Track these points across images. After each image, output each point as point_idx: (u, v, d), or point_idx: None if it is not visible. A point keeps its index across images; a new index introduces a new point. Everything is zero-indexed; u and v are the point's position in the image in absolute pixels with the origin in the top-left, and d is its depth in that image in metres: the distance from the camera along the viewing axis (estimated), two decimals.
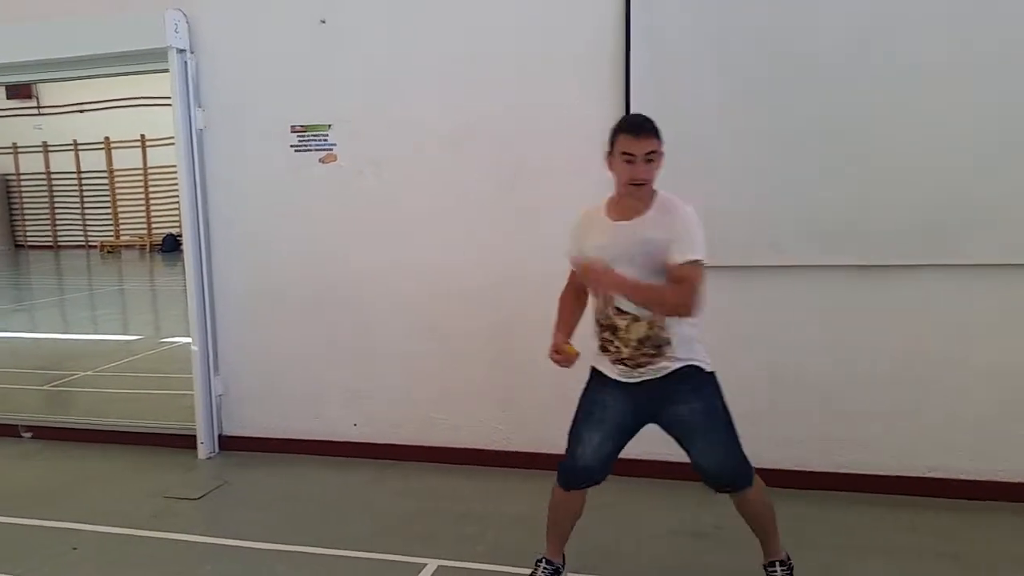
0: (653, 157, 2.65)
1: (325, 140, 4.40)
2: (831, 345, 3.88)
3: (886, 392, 3.84)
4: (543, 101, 4.09)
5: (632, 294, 2.64)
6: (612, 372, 2.79)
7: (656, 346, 2.70)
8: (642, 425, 2.84)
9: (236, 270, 4.67)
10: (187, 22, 4.47)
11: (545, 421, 4.24)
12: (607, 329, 2.75)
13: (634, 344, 2.70)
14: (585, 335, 2.91)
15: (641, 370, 2.73)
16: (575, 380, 4.11)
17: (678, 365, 2.72)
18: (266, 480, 4.34)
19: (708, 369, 2.78)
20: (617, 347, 2.73)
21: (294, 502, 4.02)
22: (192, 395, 4.73)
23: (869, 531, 3.50)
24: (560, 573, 3.06)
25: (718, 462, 2.78)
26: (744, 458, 2.81)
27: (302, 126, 4.43)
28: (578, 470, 2.86)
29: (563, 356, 2.78)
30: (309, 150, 4.44)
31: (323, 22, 4.33)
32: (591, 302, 2.87)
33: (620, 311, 2.70)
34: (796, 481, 3.87)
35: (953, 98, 3.61)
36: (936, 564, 3.21)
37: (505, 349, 4.29)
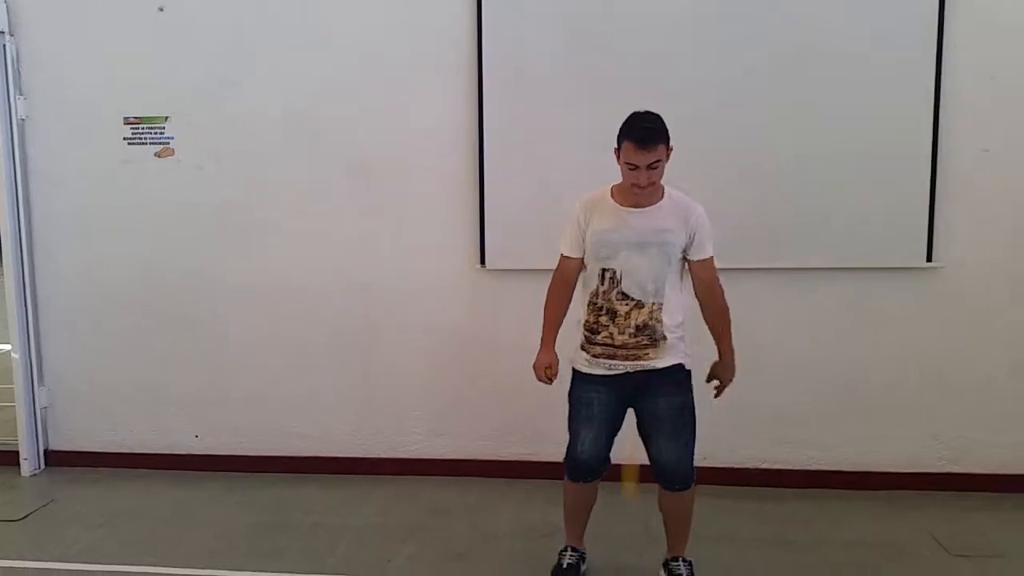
0: (657, 165, 2.67)
1: (162, 133, 4.15)
2: None
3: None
4: (392, 99, 4.02)
5: (729, 343, 2.91)
6: (595, 369, 2.84)
7: (652, 336, 2.75)
8: (627, 409, 2.90)
9: (63, 271, 4.32)
10: (4, 1, 4.10)
11: (399, 427, 4.20)
12: (606, 313, 2.78)
13: (632, 331, 2.75)
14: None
15: (625, 363, 2.78)
16: (426, 384, 4.13)
17: (664, 363, 2.78)
18: (98, 497, 4.03)
19: (688, 367, 2.86)
20: (611, 333, 2.77)
21: (129, 520, 3.76)
22: (13, 407, 4.35)
23: (718, 521, 3.61)
24: (584, 560, 3.12)
25: (677, 459, 2.83)
26: (693, 459, 2.89)
27: (136, 117, 4.15)
28: (581, 464, 2.92)
29: (552, 375, 2.93)
30: (144, 143, 4.16)
31: (161, 9, 4.08)
32: (582, 286, 2.92)
33: (624, 296, 2.75)
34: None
35: (774, 113, 3.79)
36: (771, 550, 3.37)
37: (355, 353, 4.19)
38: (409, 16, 3.97)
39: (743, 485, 3.95)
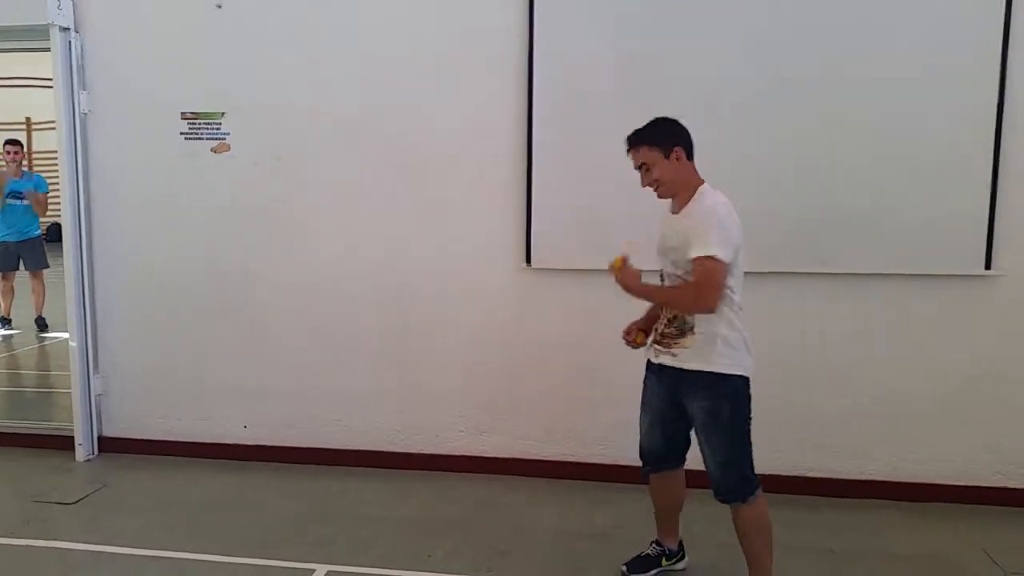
0: (645, 167, 2.77)
1: (218, 128, 4.23)
2: None
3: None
4: (442, 98, 4.05)
5: (653, 297, 2.88)
6: (649, 353, 2.95)
7: (680, 328, 2.78)
8: (680, 408, 2.85)
9: (120, 263, 4.43)
10: (71, 0, 4.23)
11: (443, 423, 4.22)
12: (661, 307, 2.91)
13: (667, 319, 2.84)
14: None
15: (661, 349, 2.85)
16: (470, 382, 4.14)
17: (692, 367, 2.75)
18: (148, 484, 4.13)
19: (728, 372, 2.71)
20: (661, 322, 2.88)
21: (178, 506, 3.84)
22: (70, 394, 4.47)
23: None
24: (672, 557, 3.15)
25: (715, 467, 2.77)
26: (745, 474, 2.75)
27: (193, 113, 4.24)
28: (643, 453, 3.03)
29: (630, 336, 2.97)
30: (200, 138, 4.25)
31: (219, 6, 4.16)
32: None
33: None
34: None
35: (826, 114, 3.73)
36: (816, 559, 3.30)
37: (401, 349, 4.22)
38: (461, 15, 4.00)
39: (786, 492, 3.87)
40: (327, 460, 4.30)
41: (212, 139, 4.24)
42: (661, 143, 2.75)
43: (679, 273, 2.75)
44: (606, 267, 2.84)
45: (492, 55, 3.99)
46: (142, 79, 4.29)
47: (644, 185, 2.81)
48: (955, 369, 3.81)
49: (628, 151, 2.80)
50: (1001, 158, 3.64)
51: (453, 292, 4.14)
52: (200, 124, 4.24)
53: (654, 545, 3.15)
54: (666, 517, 3.12)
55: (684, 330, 2.76)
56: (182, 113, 4.24)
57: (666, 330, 2.83)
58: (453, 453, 4.22)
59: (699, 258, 2.62)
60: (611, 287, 3.98)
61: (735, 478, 2.75)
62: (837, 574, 3.20)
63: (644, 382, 2.99)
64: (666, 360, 2.82)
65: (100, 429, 4.54)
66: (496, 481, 4.09)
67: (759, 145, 3.79)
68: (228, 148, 4.23)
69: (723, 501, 2.79)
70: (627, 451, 3.98)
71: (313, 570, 3.20)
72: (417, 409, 4.25)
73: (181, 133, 4.26)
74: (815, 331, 3.85)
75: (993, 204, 3.66)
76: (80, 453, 4.44)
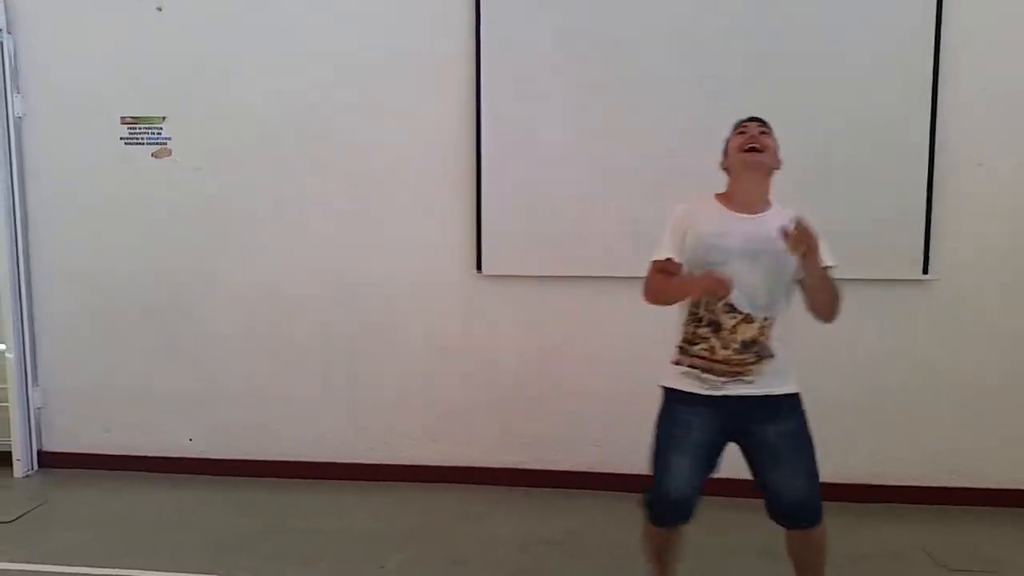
0: (765, 133, 2.56)
1: (159, 133, 4.13)
2: None
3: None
4: (388, 100, 4.01)
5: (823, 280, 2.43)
6: (694, 386, 2.48)
7: (758, 354, 2.43)
8: (727, 443, 2.52)
9: (58, 272, 4.30)
10: None
11: (394, 432, 4.18)
12: (708, 325, 2.44)
13: (736, 346, 2.42)
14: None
15: (728, 380, 2.44)
16: (422, 389, 4.11)
17: (770, 392, 2.45)
18: (91, 499, 4.01)
19: (797, 390, 2.52)
20: (711, 347, 2.44)
21: (122, 523, 3.73)
22: (7, 407, 4.32)
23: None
24: None
25: (801, 491, 2.45)
26: (819, 491, 2.50)
27: (133, 117, 4.13)
28: (671, 503, 2.50)
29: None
30: (141, 143, 4.14)
31: (160, 9, 4.06)
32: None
33: (731, 308, 2.41)
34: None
35: (787, 117, 3.75)
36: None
37: (350, 357, 4.18)
38: (408, 16, 3.96)
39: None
40: (276, 472, 4.23)
41: (153, 144, 4.13)
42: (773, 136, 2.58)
43: (773, 282, 2.44)
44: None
45: (439, 54, 3.95)
46: (79, 82, 4.17)
47: (748, 140, 2.50)
48: (896, 371, 3.89)
49: (750, 121, 2.57)
50: (936, 162, 3.71)
51: (403, 299, 4.11)
52: (140, 128, 4.13)
53: None
54: (673, 565, 2.74)
55: (763, 356, 2.43)
56: (122, 118, 4.13)
57: (733, 357, 2.42)
58: (405, 462, 4.19)
59: (831, 267, 2.47)
60: (563, 293, 4.03)
61: (819, 497, 2.50)
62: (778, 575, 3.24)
63: (677, 420, 2.51)
64: (738, 390, 2.44)
65: (40, 443, 4.40)
66: (450, 490, 4.06)
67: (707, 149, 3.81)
68: (169, 153, 4.14)
69: (808, 526, 2.50)
70: (580, 456, 4.04)
71: None
72: (367, 418, 4.20)
73: (121, 138, 4.15)
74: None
75: (929, 210, 3.74)
76: (19, 469, 4.30)
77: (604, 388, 3.98)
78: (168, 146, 4.13)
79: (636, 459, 3.91)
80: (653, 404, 4.02)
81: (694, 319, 2.47)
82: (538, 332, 4.01)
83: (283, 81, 4.05)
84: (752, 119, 2.59)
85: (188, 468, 4.27)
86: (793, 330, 2.52)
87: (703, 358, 2.45)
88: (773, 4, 3.77)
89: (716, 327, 2.43)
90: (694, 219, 2.52)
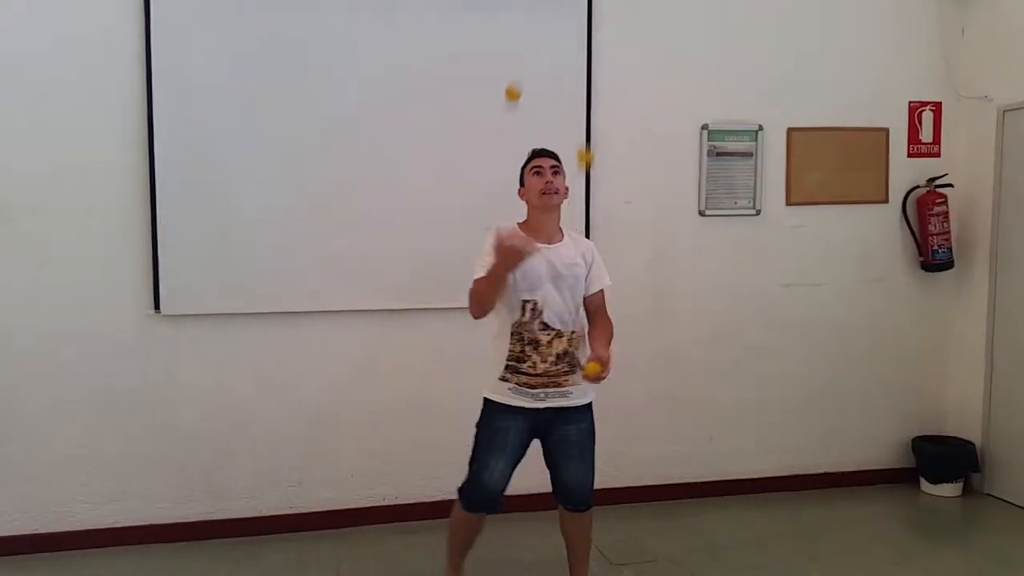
0: (556, 173, 2.93)
1: None
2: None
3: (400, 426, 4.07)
4: (40, 122, 3.61)
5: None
6: (515, 400, 2.87)
7: (570, 364, 2.86)
8: (530, 442, 2.95)
9: None
10: None
11: (61, 497, 3.73)
12: (529, 344, 2.84)
13: (552, 359, 2.83)
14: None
15: (548, 391, 2.85)
16: (93, 445, 3.71)
17: (580, 401, 2.91)
18: None
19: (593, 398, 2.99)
20: (533, 363, 2.84)
21: None
22: None
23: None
24: None
25: (584, 480, 2.95)
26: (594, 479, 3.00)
27: None
28: (485, 495, 2.90)
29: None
30: None
31: None
32: (506, 317, 2.88)
33: (545, 325, 2.83)
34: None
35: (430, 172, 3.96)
36: None
37: (4, 414, 3.66)
38: (72, 32, 3.61)
39: None
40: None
41: None
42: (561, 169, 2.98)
43: (573, 301, 2.88)
44: None
45: (106, 72, 3.65)
46: None
47: (546, 186, 2.88)
48: None
49: (543, 156, 2.94)
50: (591, 203, 4.16)
51: (67, 346, 3.68)
52: None
53: None
54: (468, 550, 3.12)
55: (574, 365, 2.88)
56: None
57: (551, 369, 2.85)
58: (75, 528, 3.74)
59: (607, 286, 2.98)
60: (250, 333, 3.89)
61: (593, 485, 3.01)
62: None
63: (497, 428, 2.89)
64: (551, 402, 2.88)
65: None
66: (128, 553, 3.70)
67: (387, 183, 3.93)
68: None
69: (586, 508, 3.01)
70: (277, 501, 3.90)
71: None
72: (28, 483, 3.70)
73: None
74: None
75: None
76: None
77: (297, 431, 3.93)
78: None
79: (331, 496, 3.91)
80: (352, 441, 4.09)
81: (517, 338, 2.86)
82: (223, 374, 3.83)
83: None
84: (544, 153, 2.97)
85: None
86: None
87: (528, 374, 2.85)
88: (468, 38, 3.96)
89: (535, 344, 2.84)
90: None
